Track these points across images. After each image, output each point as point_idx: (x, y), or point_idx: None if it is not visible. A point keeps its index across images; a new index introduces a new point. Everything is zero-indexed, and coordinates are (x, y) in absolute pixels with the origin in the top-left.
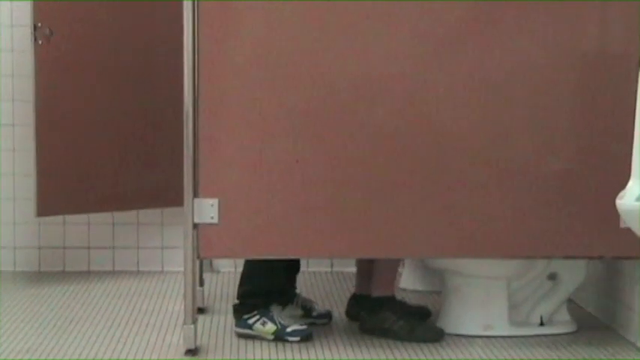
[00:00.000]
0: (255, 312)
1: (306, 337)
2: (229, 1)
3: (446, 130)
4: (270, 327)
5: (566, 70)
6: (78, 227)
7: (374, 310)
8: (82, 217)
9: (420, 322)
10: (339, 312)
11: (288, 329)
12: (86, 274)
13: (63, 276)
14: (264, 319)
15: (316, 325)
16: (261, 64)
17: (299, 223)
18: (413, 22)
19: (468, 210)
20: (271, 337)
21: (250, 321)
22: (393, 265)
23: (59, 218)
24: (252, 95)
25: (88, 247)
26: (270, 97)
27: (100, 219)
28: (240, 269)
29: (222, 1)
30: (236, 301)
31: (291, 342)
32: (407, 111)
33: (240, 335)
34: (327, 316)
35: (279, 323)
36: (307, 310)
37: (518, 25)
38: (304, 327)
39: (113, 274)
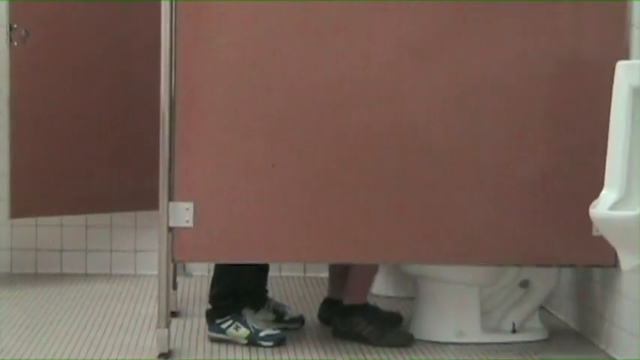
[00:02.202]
0: (228, 316)
1: (279, 342)
2: (207, 0)
3: (421, 137)
4: (244, 331)
5: (542, 76)
6: (51, 229)
7: (345, 315)
8: (54, 219)
9: (390, 328)
10: (311, 316)
11: (262, 334)
12: (59, 277)
13: (35, 278)
14: (237, 323)
15: (288, 329)
16: (238, 69)
17: (274, 228)
18: (390, 27)
19: (441, 217)
20: (244, 341)
21: (223, 325)
22: (368, 274)
23: (32, 220)
24: (229, 99)
25: (61, 250)
26: (246, 101)
27: (73, 221)
28: (212, 273)
29: (199, 1)
30: (209, 306)
31: (265, 347)
32: (382, 116)
33: (213, 340)
34: (300, 320)
35: (253, 327)
36: (279, 315)
37: (495, 31)
38: (277, 332)
39: (86, 276)
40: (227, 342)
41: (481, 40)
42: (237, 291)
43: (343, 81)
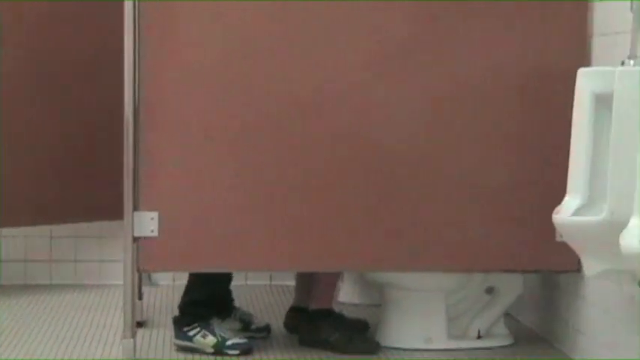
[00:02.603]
0: (196, 324)
1: (246, 351)
2: (171, 1)
3: (387, 146)
4: (211, 339)
5: (509, 85)
6: (15, 240)
7: (312, 322)
8: (18, 230)
9: (357, 335)
10: (278, 324)
11: (228, 342)
12: (23, 288)
13: None
14: (205, 331)
15: (255, 338)
16: (203, 77)
17: (239, 237)
18: (361, 37)
19: (406, 224)
20: (211, 349)
21: (190, 333)
22: (332, 279)
23: None
24: (194, 107)
25: (25, 261)
26: (211, 110)
27: (38, 232)
28: (178, 282)
29: (162, 1)
30: (176, 314)
31: (231, 355)
32: (349, 125)
33: (179, 347)
34: (266, 329)
35: (220, 336)
36: (246, 324)
37: (463, 41)
38: (244, 340)
39: (50, 287)
40: (193, 350)
41: (451, 50)
42: (210, 300)
43: (311, 88)
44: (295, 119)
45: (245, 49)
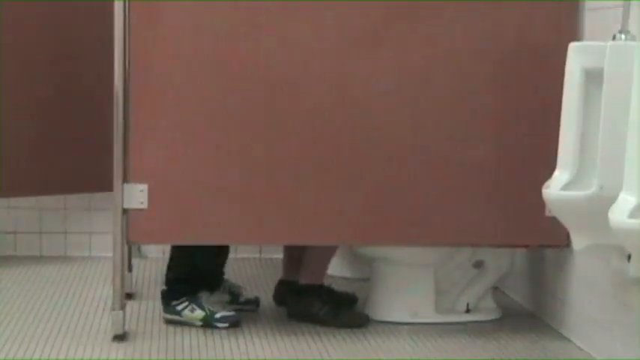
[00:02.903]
0: (184, 298)
1: (234, 324)
2: None
3: (371, 121)
4: (199, 313)
5: (493, 59)
6: (3, 212)
7: (300, 296)
8: (6, 202)
9: (345, 309)
10: (267, 298)
11: (217, 315)
12: (12, 259)
13: None
14: (193, 305)
15: (243, 311)
16: (190, 51)
17: (228, 210)
18: (335, 17)
19: (394, 198)
20: (200, 323)
21: (179, 307)
22: (326, 255)
23: None
24: (182, 81)
25: (15, 232)
26: (199, 84)
27: (27, 203)
28: (167, 255)
29: None
30: (164, 287)
31: (220, 328)
32: (332, 101)
33: (168, 321)
34: (255, 302)
35: (208, 309)
36: (235, 296)
37: (442, 17)
38: (232, 313)
39: (40, 259)
40: (182, 324)
41: (429, 27)
42: (193, 274)
43: (294, 66)
44: (280, 95)
45: (229, 26)
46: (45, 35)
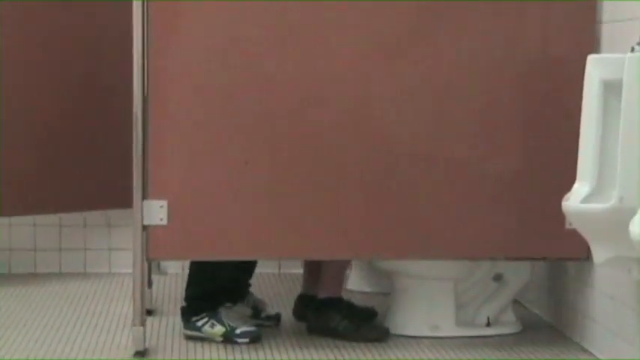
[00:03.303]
0: (204, 314)
1: (254, 339)
2: (178, 1)
3: (393, 132)
4: (219, 329)
5: (513, 71)
6: (24, 229)
7: (320, 311)
8: (28, 219)
9: (365, 322)
10: (286, 312)
11: (237, 331)
12: (32, 277)
13: (9, 278)
14: (213, 321)
15: (263, 326)
16: (210, 67)
17: (248, 225)
18: (361, 25)
19: (414, 212)
20: (220, 338)
21: (199, 323)
22: (341, 267)
23: (4, 220)
24: (201, 97)
25: (34, 249)
26: (219, 99)
27: (47, 221)
28: (187, 271)
29: (171, 1)
30: (184, 304)
31: (240, 344)
32: (354, 113)
33: (188, 337)
34: (276, 319)
35: (228, 325)
36: (257, 311)
37: (466, 27)
38: (253, 328)
39: (60, 276)
40: (203, 340)
41: (451, 36)
42: (213, 290)
43: (314, 79)
44: (299, 109)
45: (249, 42)
46: (64, 52)
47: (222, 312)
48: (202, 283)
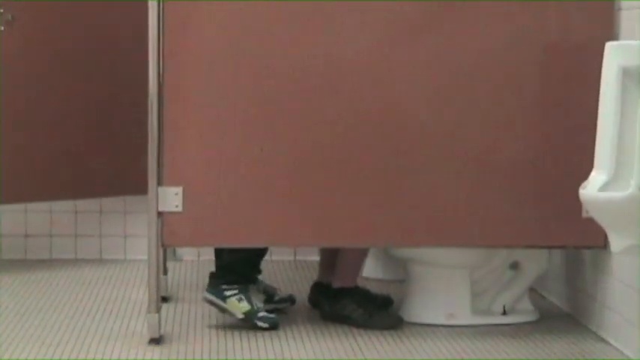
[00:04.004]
0: (236, 286)
1: (273, 326)
2: None
3: (409, 120)
4: (245, 305)
5: (530, 58)
6: (40, 215)
7: (335, 298)
8: (43, 205)
9: (379, 310)
10: (302, 299)
11: (260, 314)
12: (48, 263)
13: (24, 264)
14: (242, 295)
15: (278, 309)
16: (226, 53)
17: (263, 212)
18: (377, 12)
19: (430, 200)
20: (242, 316)
21: (227, 293)
22: (358, 258)
23: (21, 206)
24: (217, 84)
25: (50, 235)
26: (234, 86)
27: (62, 207)
28: (203, 258)
29: None
30: (213, 271)
31: (260, 327)
32: (370, 100)
33: (208, 301)
34: (290, 299)
35: (256, 305)
36: (270, 296)
37: (482, 12)
38: (273, 316)
39: (75, 262)
40: (222, 310)
41: (469, 23)
42: (248, 263)
43: (331, 65)
44: (315, 96)
45: (264, 28)
46: (79, 38)
47: (252, 290)
48: (233, 255)
